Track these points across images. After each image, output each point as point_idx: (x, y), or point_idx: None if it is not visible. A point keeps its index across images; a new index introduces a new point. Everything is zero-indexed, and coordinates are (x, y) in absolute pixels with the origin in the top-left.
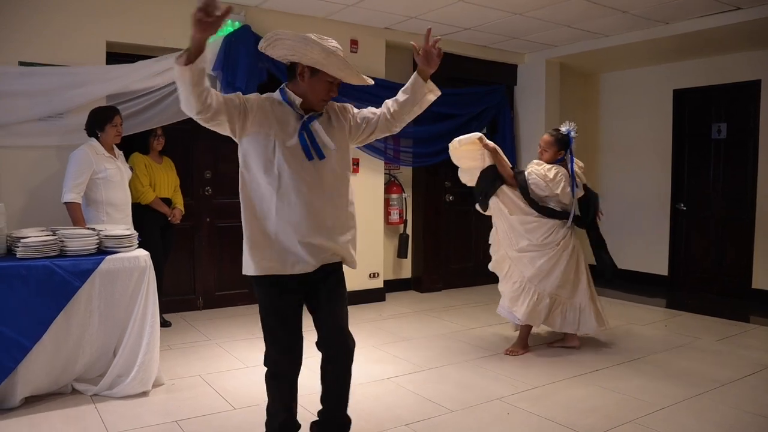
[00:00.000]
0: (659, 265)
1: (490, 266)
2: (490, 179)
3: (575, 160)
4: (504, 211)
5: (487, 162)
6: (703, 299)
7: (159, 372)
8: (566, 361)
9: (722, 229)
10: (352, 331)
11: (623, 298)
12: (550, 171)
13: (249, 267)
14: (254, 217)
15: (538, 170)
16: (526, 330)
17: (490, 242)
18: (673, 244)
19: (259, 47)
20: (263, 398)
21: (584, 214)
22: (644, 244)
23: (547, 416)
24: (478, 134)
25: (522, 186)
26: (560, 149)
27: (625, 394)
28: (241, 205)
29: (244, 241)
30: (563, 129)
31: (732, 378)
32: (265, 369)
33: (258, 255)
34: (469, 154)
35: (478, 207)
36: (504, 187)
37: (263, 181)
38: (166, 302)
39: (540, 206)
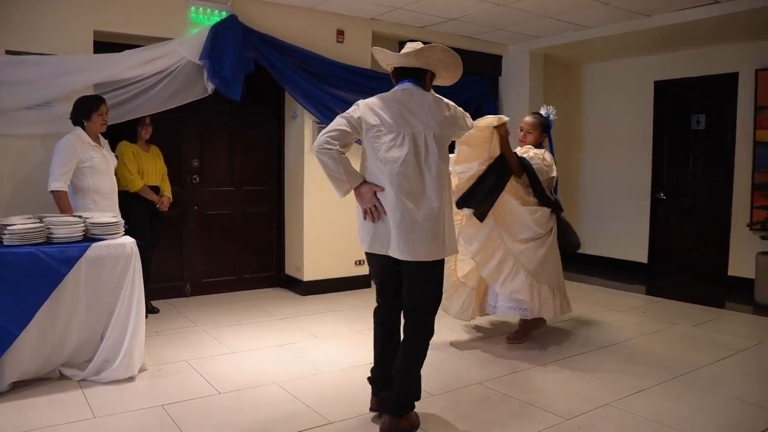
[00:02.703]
0: (639, 253)
1: (486, 273)
2: (493, 186)
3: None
4: (508, 204)
5: (492, 152)
6: (681, 286)
7: (144, 357)
8: (544, 346)
9: (700, 217)
10: (336, 317)
11: (603, 285)
12: (546, 154)
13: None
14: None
15: (537, 153)
16: (535, 321)
17: (470, 251)
18: (652, 232)
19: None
20: (248, 383)
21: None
22: (625, 233)
23: (525, 400)
24: (503, 117)
25: (531, 173)
26: (543, 132)
27: (603, 379)
28: (445, 194)
29: (451, 225)
30: (543, 112)
31: (706, 362)
32: (432, 329)
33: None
34: (474, 140)
35: (469, 214)
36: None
37: None
38: (154, 289)
39: (544, 193)
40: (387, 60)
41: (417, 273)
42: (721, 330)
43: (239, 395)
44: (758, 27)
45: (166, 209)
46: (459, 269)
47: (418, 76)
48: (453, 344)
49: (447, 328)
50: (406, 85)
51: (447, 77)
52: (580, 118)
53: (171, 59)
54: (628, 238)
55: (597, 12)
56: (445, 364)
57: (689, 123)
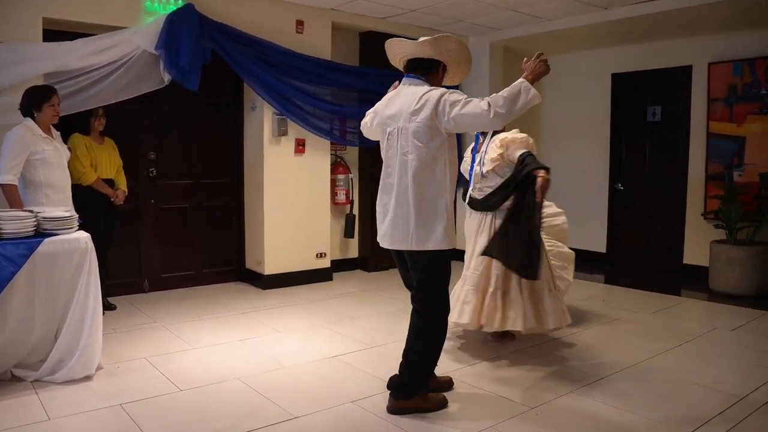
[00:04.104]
0: (598, 243)
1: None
2: None
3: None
4: None
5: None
6: (639, 275)
7: (101, 356)
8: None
9: (657, 207)
10: (297, 310)
11: None
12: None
13: (444, 241)
14: (448, 193)
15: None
16: None
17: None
18: (611, 222)
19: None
20: (209, 379)
21: None
22: (584, 223)
23: (490, 390)
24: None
25: None
26: None
27: (565, 366)
28: (427, 185)
29: (436, 216)
30: None
31: (665, 348)
32: (438, 318)
33: (451, 229)
34: None
35: None
36: None
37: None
38: (111, 285)
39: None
40: (402, 49)
41: (409, 259)
42: (678, 317)
43: (201, 392)
44: (710, 21)
45: (122, 203)
46: None
47: (429, 69)
48: None
49: None
50: (404, 80)
51: (458, 73)
52: (540, 110)
53: (125, 48)
54: (587, 228)
55: (556, 4)
56: None
57: (645, 115)
